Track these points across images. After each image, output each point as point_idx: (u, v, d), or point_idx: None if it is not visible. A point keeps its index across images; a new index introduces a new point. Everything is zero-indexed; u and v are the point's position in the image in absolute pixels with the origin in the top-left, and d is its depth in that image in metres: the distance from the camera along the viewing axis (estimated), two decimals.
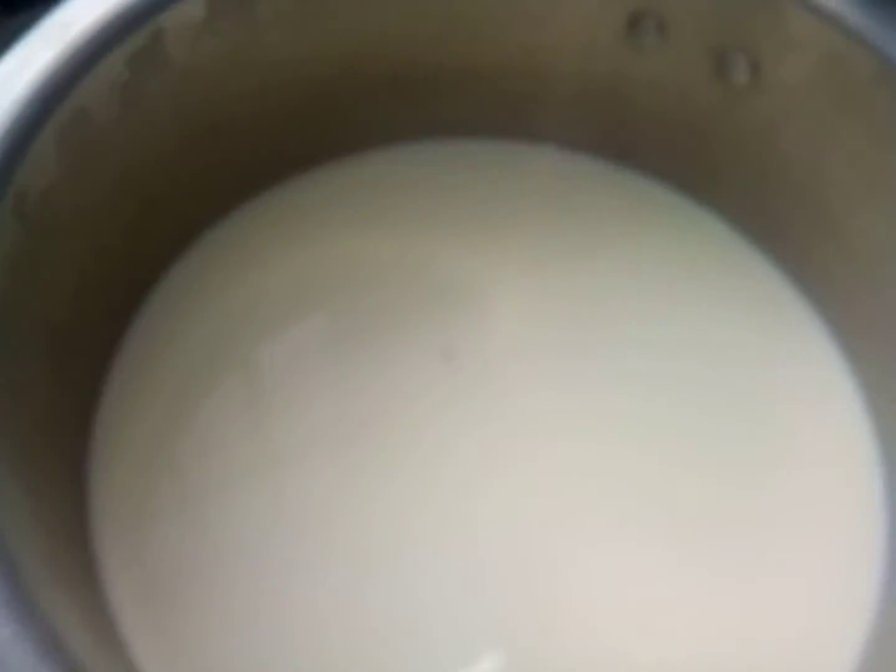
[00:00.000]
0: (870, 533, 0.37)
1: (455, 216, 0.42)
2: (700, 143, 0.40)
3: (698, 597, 0.36)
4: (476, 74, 0.41)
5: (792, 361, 0.40)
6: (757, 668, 0.35)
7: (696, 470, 0.38)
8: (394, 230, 0.42)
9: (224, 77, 0.36)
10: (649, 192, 0.43)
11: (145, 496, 0.36)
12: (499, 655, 0.35)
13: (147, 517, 0.36)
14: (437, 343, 0.40)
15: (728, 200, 0.42)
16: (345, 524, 0.36)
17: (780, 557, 0.36)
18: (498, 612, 0.35)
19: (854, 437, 0.38)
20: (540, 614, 0.35)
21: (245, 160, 0.40)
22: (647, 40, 0.38)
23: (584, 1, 0.37)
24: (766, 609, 0.35)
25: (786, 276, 0.41)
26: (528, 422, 0.38)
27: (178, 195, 0.38)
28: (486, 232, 0.41)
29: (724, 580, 0.36)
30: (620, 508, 0.37)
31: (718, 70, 0.37)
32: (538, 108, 0.42)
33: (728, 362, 0.39)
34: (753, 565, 0.36)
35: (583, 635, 0.35)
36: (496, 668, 0.35)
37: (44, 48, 0.30)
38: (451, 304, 0.40)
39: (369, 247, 0.41)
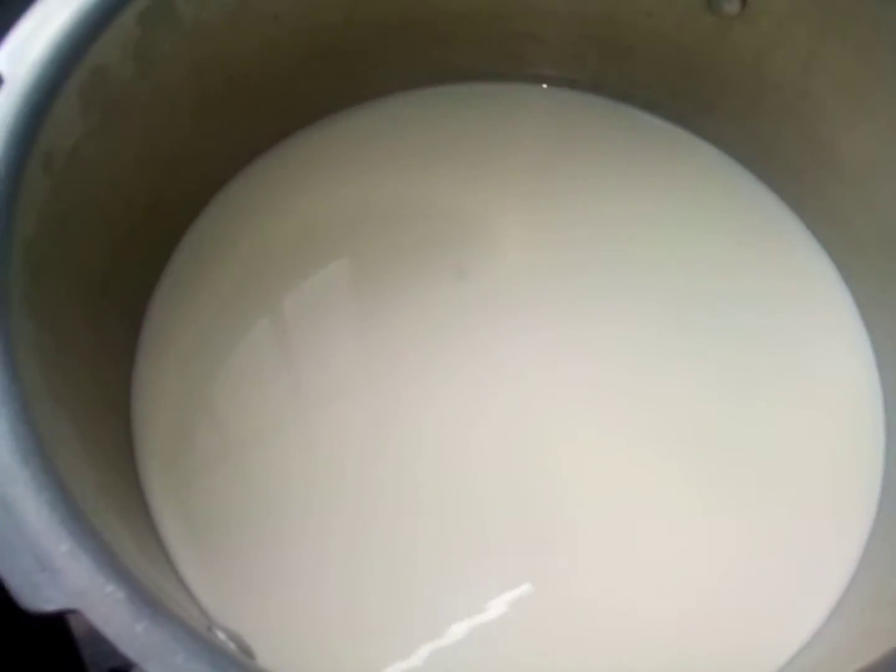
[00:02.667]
0: (869, 450, 0.38)
1: (461, 156, 0.43)
2: (693, 75, 0.41)
3: (700, 519, 0.37)
4: (473, 17, 0.42)
5: (788, 280, 0.41)
6: (754, 586, 0.36)
7: (696, 389, 0.39)
8: (402, 172, 0.43)
9: (233, 32, 0.37)
10: (645, 124, 0.44)
11: (185, 437, 0.38)
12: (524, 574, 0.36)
13: (188, 458, 0.37)
14: (451, 265, 0.41)
15: (722, 129, 0.43)
16: (382, 460, 0.37)
17: (780, 479, 0.37)
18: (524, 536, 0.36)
19: (852, 353, 0.40)
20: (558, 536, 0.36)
21: (259, 114, 0.41)
22: None
23: None
24: (764, 531, 0.36)
25: (780, 199, 0.42)
26: (536, 334, 0.39)
27: (198, 149, 0.40)
28: (490, 168, 0.42)
29: (725, 503, 0.37)
30: (624, 426, 0.38)
31: (710, 1, 0.38)
32: (535, 48, 0.43)
33: (726, 282, 0.40)
34: (753, 488, 0.37)
35: (596, 552, 0.36)
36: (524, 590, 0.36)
37: (59, 9, 0.31)
38: (460, 232, 0.42)
39: (380, 189, 0.43)
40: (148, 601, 0.24)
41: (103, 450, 0.33)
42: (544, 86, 0.44)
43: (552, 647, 0.35)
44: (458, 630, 0.35)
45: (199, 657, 0.23)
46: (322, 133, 0.44)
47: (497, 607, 0.35)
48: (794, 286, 0.41)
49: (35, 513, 0.24)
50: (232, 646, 0.28)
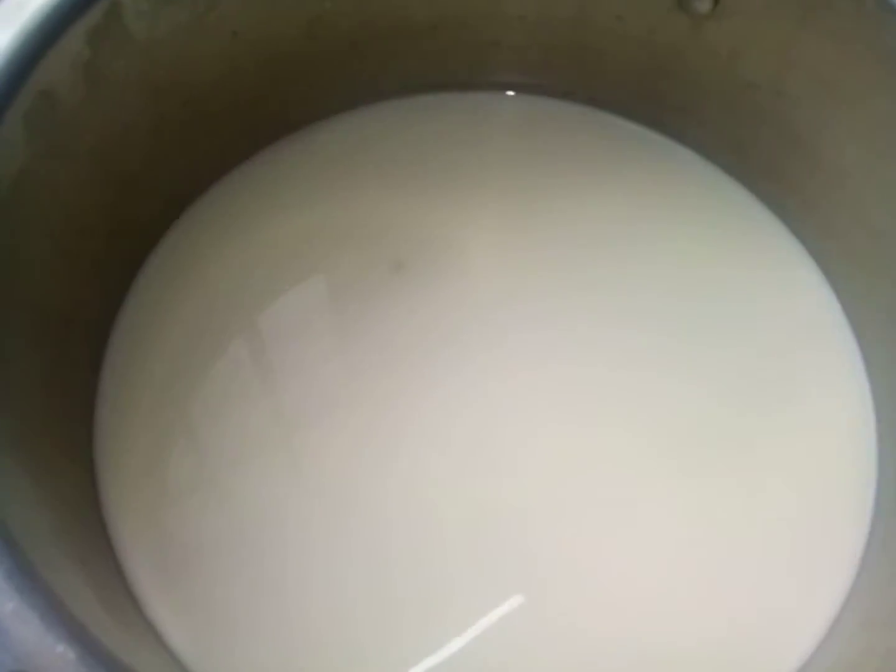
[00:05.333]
0: (860, 451, 0.37)
1: (431, 168, 0.42)
2: (666, 77, 0.40)
3: (689, 536, 0.36)
4: (438, 26, 0.41)
5: (770, 281, 0.40)
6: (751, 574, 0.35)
7: (677, 399, 0.38)
8: (371, 187, 0.42)
9: (189, 49, 0.36)
10: (620, 130, 0.43)
11: (156, 470, 0.37)
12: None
13: (159, 492, 0.36)
14: (424, 281, 0.40)
15: (698, 131, 0.42)
16: (367, 484, 0.36)
17: (771, 473, 0.37)
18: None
19: (840, 357, 0.39)
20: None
21: (220, 133, 0.40)
22: None
23: None
24: (756, 549, 0.36)
25: (759, 201, 0.41)
26: (513, 346, 0.39)
27: (157, 172, 0.38)
28: (461, 179, 0.42)
29: (715, 520, 0.36)
30: (617, 427, 0.38)
31: (681, 1, 0.37)
32: (503, 55, 0.42)
33: (705, 287, 0.40)
34: (743, 505, 0.36)
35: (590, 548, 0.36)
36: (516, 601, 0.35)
37: (0, 29, 0.30)
38: (431, 248, 0.41)
39: (349, 205, 0.42)
40: (103, 661, 0.22)
41: (62, 491, 0.31)
42: (514, 94, 0.44)
43: (542, 661, 0.34)
44: (445, 653, 0.34)
45: None
46: (287, 150, 0.43)
47: (485, 624, 0.34)
48: (777, 287, 0.40)
49: None
50: None
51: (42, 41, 0.30)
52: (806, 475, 0.37)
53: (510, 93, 0.44)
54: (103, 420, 0.37)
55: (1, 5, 0.30)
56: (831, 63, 0.35)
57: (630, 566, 0.35)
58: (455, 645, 0.34)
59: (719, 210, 0.41)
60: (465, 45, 0.42)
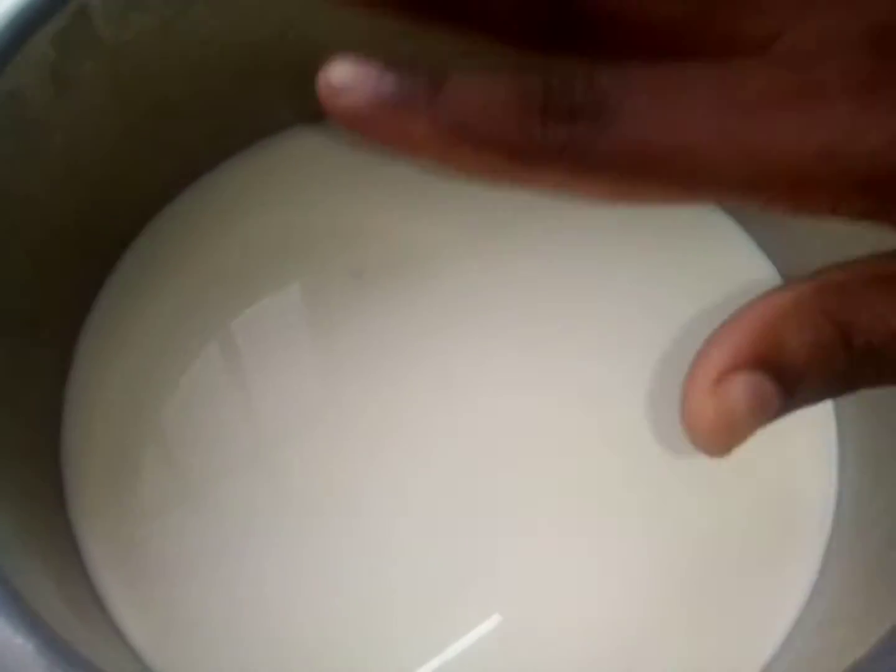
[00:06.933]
0: (821, 455, 0.37)
1: (407, 176, 0.41)
2: None
3: (651, 540, 0.36)
4: (408, 34, 0.40)
5: (725, 281, 0.40)
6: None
7: (643, 408, 0.38)
8: (345, 193, 0.42)
9: (157, 55, 0.36)
10: None
11: (124, 477, 0.36)
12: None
13: (128, 498, 0.36)
14: (398, 287, 0.40)
15: None
16: (348, 495, 0.36)
17: (732, 497, 0.37)
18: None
19: None
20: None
21: (193, 137, 0.40)
22: None
23: None
24: (717, 551, 0.36)
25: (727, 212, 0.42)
26: (490, 353, 0.39)
27: (129, 174, 0.38)
28: (436, 186, 0.41)
29: (676, 523, 0.36)
30: (591, 438, 0.38)
31: None
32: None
33: (667, 294, 0.40)
34: (704, 506, 0.37)
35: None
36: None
37: None
38: (407, 255, 0.41)
39: (323, 211, 0.42)
40: (62, 653, 0.22)
41: (26, 488, 0.31)
42: None
43: None
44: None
45: None
46: (258, 156, 0.43)
47: (460, 646, 0.34)
48: (735, 290, 0.40)
49: None
50: None
51: (8, 42, 0.31)
52: (767, 480, 0.37)
53: None
54: (70, 425, 0.37)
55: None
56: None
57: (591, 574, 0.35)
58: (431, 665, 0.34)
59: (689, 224, 0.41)
60: (436, 52, 0.42)
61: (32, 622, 0.23)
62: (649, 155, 0.17)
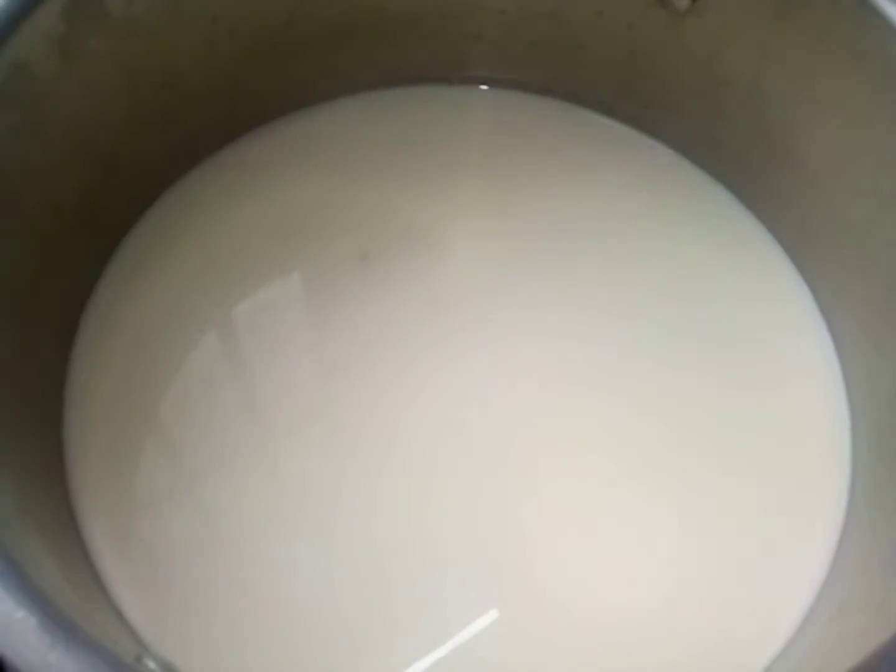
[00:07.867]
0: (834, 442, 0.37)
1: (410, 161, 0.42)
2: (645, 74, 0.40)
3: (666, 530, 0.36)
4: (419, 18, 0.41)
5: (746, 277, 0.40)
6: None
7: (657, 397, 0.38)
8: (349, 177, 0.42)
9: (166, 30, 0.36)
10: (597, 125, 0.43)
11: (125, 464, 0.36)
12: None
13: (128, 485, 0.35)
14: (402, 273, 0.40)
15: (676, 129, 0.42)
16: (345, 487, 0.36)
17: (747, 485, 0.36)
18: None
19: (815, 352, 0.39)
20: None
21: (198, 116, 0.40)
22: None
23: None
24: (732, 541, 0.36)
25: (736, 198, 0.41)
26: (492, 343, 0.38)
27: (134, 152, 0.38)
28: (439, 173, 0.41)
29: (691, 513, 0.36)
30: (596, 422, 0.37)
31: None
32: (483, 50, 0.42)
33: (682, 285, 0.40)
34: (719, 496, 0.36)
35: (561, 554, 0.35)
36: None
37: None
38: (409, 239, 0.40)
39: (326, 194, 0.41)
40: (64, 628, 0.22)
41: (28, 466, 0.31)
42: (493, 88, 0.43)
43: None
44: (425, 663, 0.33)
45: None
46: (266, 137, 0.42)
47: (459, 639, 0.34)
48: (753, 284, 0.40)
49: None
50: None
51: (17, 13, 0.30)
52: (781, 465, 0.37)
53: (489, 87, 0.44)
54: (73, 406, 0.36)
55: None
56: (807, 60, 0.35)
57: (608, 566, 0.35)
58: (428, 660, 0.33)
59: (695, 206, 0.41)
60: (446, 39, 0.42)
61: (35, 598, 0.22)
62: None
